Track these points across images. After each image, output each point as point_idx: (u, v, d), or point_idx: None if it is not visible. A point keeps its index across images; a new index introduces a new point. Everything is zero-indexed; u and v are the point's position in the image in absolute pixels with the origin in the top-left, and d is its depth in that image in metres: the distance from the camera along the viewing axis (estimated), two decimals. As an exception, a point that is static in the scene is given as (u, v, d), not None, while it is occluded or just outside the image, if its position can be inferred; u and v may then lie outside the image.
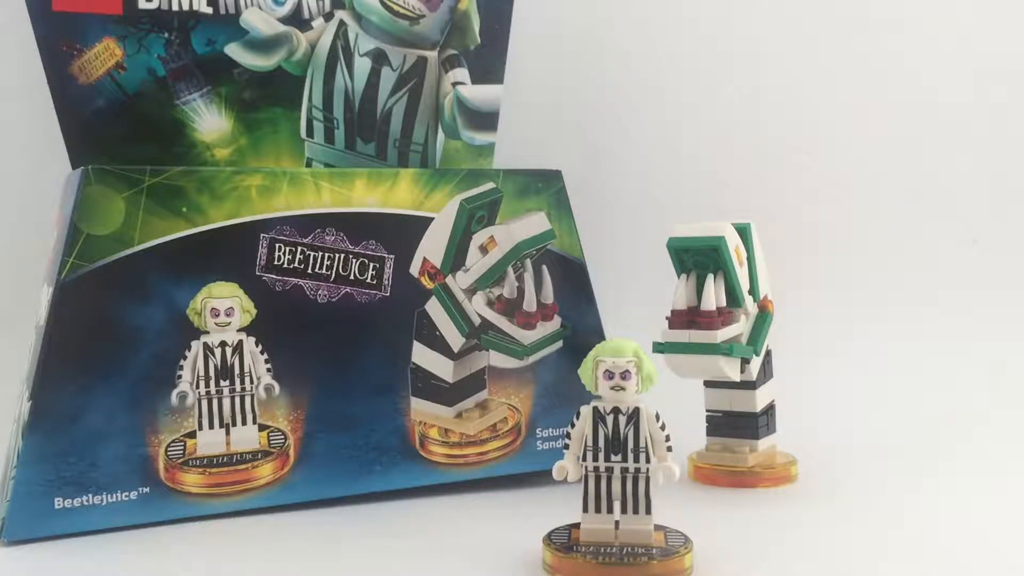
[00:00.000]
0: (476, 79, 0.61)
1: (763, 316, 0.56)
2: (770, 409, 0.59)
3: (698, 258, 0.53)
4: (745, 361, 0.54)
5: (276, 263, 0.52)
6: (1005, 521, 0.49)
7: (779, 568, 0.44)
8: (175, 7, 0.54)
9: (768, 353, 0.58)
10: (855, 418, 0.71)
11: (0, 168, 0.75)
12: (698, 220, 0.54)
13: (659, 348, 0.53)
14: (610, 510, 0.43)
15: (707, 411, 0.58)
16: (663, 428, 0.43)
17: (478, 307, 0.55)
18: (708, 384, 0.58)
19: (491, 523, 0.50)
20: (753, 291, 0.56)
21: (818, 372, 0.76)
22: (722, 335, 0.52)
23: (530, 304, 0.55)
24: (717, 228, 0.53)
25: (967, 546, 0.46)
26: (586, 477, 0.43)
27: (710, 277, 0.52)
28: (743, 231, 0.55)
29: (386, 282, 0.54)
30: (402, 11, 0.59)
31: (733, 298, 0.53)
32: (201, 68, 0.55)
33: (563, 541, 0.43)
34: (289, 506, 0.52)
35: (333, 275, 0.53)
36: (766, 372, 0.58)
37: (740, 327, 0.54)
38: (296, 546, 0.47)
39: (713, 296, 0.52)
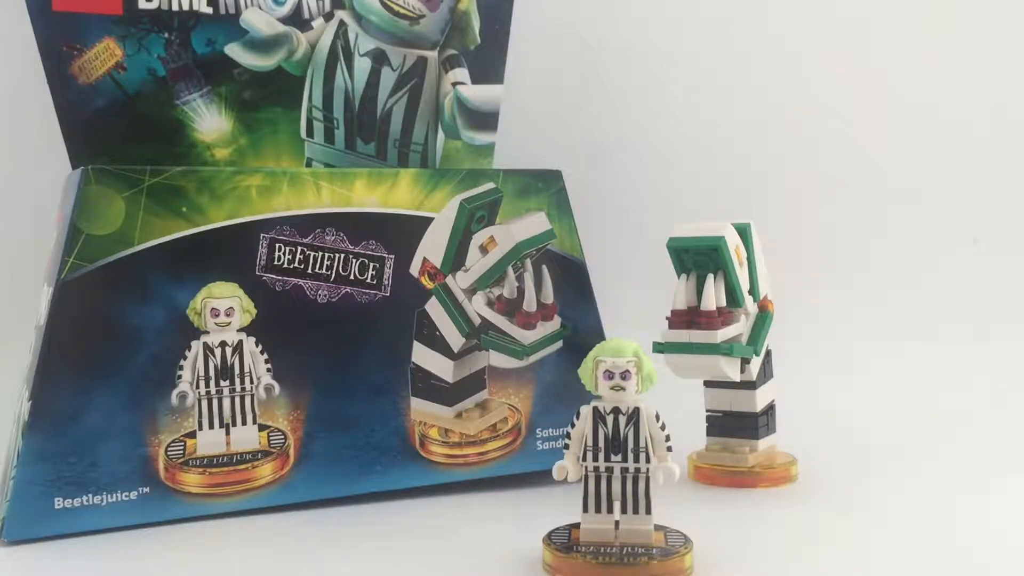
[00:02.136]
0: (476, 79, 0.61)
1: (763, 316, 0.56)
2: (770, 409, 0.59)
3: (698, 258, 0.53)
4: (745, 361, 0.54)
5: (276, 263, 0.52)
6: (1006, 521, 0.49)
7: (779, 568, 0.44)
8: (175, 7, 0.54)
9: (768, 353, 0.58)
10: (855, 418, 0.71)
11: (0, 168, 0.75)
12: (698, 220, 0.54)
13: (659, 348, 0.52)
14: (610, 510, 0.43)
15: (707, 411, 0.58)
16: (663, 428, 0.43)
17: (478, 307, 0.55)
18: (708, 384, 0.58)
19: (491, 523, 0.50)
20: (753, 291, 0.56)
21: (818, 372, 0.76)
22: (722, 335, 0.52)
23: (530, 304, 0.55)
24: (717, 228, 0.53)
25: (968, 546, 0.46)
26: (586, 477, 0.43)
27: (710, 277, 0.52)
28: (743, 231, 0.55)
29: (386, 282, 0.54)
30: (402, 11, 0.59)
31: (733, 298, 0.53)
32: (201, 68, 0.55)
33: (563, 541, 0.43)
34: (289, 506, 0.52)
35: (333, 275, 0.53)
36: (766, 372, 0.58)
37: (740, 327, 0.54)
38: (296, 546, 0.47)
39: (713, 296, 0.52)
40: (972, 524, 0.49)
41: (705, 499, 0.54)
